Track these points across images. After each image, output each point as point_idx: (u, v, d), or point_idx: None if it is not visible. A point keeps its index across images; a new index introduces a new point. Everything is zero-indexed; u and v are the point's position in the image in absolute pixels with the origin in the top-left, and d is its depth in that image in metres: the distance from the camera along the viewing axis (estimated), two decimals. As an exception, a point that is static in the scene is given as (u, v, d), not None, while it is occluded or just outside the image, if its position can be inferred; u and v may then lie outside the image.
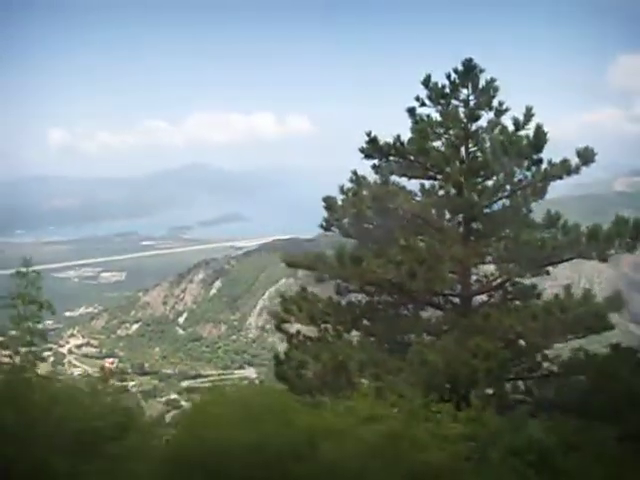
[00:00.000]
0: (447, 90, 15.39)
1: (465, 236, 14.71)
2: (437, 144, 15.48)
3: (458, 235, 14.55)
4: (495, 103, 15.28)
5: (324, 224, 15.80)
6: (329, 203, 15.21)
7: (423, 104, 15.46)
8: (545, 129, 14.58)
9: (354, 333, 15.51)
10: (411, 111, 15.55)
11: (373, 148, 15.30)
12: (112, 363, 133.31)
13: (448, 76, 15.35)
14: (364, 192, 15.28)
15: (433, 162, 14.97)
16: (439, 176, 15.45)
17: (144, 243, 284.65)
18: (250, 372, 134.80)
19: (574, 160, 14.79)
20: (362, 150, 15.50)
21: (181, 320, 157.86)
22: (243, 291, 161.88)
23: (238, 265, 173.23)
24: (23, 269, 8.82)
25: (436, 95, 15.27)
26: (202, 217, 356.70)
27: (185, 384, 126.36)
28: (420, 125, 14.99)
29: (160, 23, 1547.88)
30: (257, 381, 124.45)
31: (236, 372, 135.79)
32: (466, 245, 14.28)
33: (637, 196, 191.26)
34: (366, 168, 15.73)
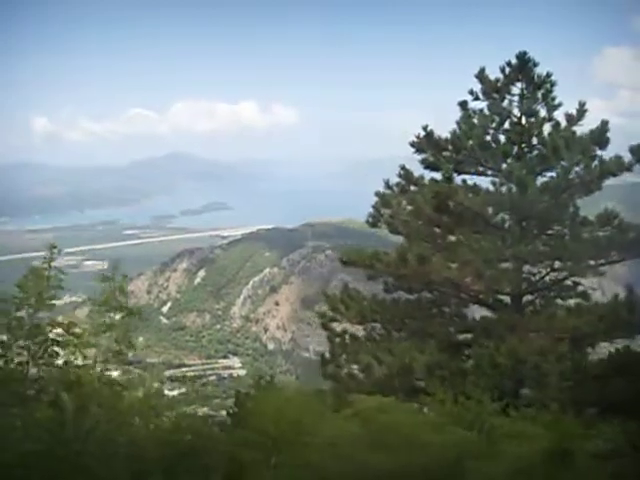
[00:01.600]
0: (500, 84, 14.98)
1: (523, 234, 14.31)
2: (487, 139, 15.08)
3: (518, 233, 14.14)
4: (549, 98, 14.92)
5: (370, 220, 15.33)
6: (383, 199, 14.68)
7: (477, 98, 15.01)
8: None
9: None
10: (463, 105, 15.11)
11: (427, 142, 14.84)
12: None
13: (502, 70, 14.93)
14: (412, 187, 14.89)
15: (489, 157, 14.51)
16: (489, 172, 15.07)
17: (127, 232, 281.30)
18: (234, 361, 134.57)
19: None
20: (413, 144, 15.05)
21: (165, 309, 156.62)
22: (227, 280, 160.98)
23: (222, 254, 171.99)
24: (109, 273, 8.27)
25: (490, 89, 14.84)
26: (186, 206, 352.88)
27: (169, 373, 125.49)
28: (480, 119, 14.52)
29: (147, 12, 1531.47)
30: (244, 371, 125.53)
31: (220, 361, 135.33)
32: (525, 243, 13.89)
33: (624, 189, 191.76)
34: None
